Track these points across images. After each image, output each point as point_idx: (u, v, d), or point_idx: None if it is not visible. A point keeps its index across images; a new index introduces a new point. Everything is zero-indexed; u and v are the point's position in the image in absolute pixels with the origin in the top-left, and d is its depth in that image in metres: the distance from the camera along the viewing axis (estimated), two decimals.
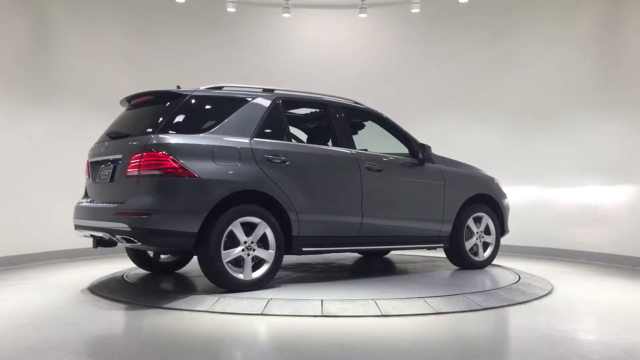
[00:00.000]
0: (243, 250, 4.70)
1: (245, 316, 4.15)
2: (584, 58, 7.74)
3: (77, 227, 5.13)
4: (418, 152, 5.78)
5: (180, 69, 8.47)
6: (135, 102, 5.19)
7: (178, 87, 5.10)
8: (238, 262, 4.71)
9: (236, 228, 4.65)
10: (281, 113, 5.21)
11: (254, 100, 5.06)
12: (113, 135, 5.00)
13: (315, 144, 5.85)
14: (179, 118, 4.76)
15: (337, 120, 5.52)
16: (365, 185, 5.36)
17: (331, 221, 5.20)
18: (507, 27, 8.45)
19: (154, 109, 4.93)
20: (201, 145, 4.64)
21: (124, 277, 5.59)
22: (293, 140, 5.64)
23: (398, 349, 3.46)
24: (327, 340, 3.61)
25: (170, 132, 4.62)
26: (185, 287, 5.06)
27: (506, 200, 6.53)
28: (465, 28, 8.64)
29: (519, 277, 5.67)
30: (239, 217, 4.67)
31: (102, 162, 4.98)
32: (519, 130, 8.27)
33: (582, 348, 3.47)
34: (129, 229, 4.44)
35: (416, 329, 3.91)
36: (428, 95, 8.76)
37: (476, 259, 6.17)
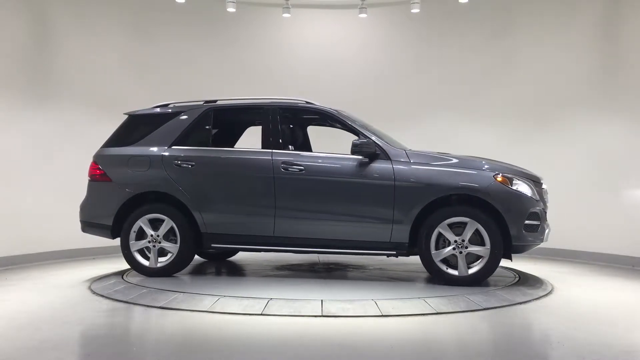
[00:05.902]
0: (149, 242, 5.56)
1: (245, 316, 4.15)
2: (584, 58, 7.73)
3: None
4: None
5: (180, 69, 8.48)
6: None
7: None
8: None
9: (143, 223, 5.57)
10: (209, 122, 5.77)
11: (183, 113, 5.81)
12: None
13: (266, 147, 5.55)
14: (120, 133, 5.94)
15: (271, 122, 5.60)
16: (278, 185, 5.36)
17: (239, 221, 5.48)
18: (507, 27, 8.45)
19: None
20: (120, 155, 5.75)
21: (124, 277, 5.62)
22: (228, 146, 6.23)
23: (398, 349, 3.46)
24: (327, 340, 3.62)
25: (108, 146, 5.89)
26: (186, 287, 5.06)
27: (520, 203, 5.12)
28: (465, 28, 8.64)
29: (519, 277, 5.68)
30: (146, 214, 5.57)
31: None
32: (519, 131, 8.25)
33: (582, 348, 3.47)
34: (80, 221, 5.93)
35: (416, 329, 3.91)
36: (428, 95, 8.75)
37: (454, 273, 5.13)
